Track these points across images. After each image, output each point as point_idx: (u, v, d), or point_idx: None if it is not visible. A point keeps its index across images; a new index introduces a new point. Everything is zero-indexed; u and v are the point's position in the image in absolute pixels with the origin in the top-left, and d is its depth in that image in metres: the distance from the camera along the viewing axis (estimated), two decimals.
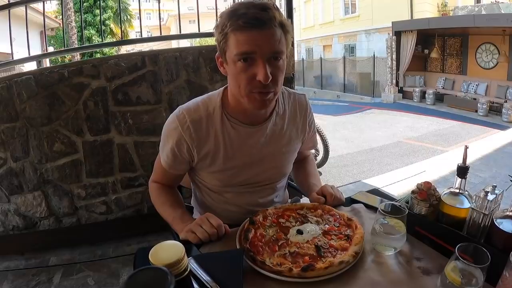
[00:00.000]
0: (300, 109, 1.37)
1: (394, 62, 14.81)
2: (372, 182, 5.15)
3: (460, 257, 0.79)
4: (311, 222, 1.14)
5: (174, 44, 15.78)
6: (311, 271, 0.89)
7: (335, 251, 1.00)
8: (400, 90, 15.25)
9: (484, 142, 8.39)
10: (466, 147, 1.11)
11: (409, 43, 14.48)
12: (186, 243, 1.05)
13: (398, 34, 14.80)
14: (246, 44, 1.02)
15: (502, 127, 10.55)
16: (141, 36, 3.73)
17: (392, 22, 15.00)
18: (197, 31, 2.96)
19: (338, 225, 1.14)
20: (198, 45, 10.99)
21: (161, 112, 2.68)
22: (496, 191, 0.99)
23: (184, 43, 16.53)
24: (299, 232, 1.08)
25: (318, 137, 4.96)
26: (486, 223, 0.97)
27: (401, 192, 4.57)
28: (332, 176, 5.59)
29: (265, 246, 1.02)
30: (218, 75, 2.67)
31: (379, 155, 6.97)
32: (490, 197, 0.97)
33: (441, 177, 5.65)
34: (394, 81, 15.05)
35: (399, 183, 5.20)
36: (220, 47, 1.10)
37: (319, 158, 5.08)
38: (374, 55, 16.13)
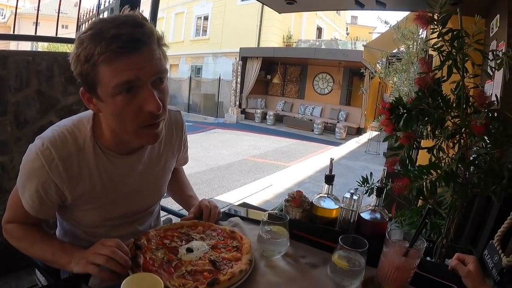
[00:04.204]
0: (177, 128, 1.29)
1: (239, 85, 15.98)
2: (224, 198, 5.36)
3: (343, 246, 0.93)
4: (195, 239, 1.13)
5: (13, 47, 13.41)
6: (217, 285, 0.89)
7: (230, 263, 1.02)
8: (243, 111, 16.53)
9: (322, 156, 9.79)
10: (332, 159, 1.32)
11: (253, 68, 15.94)
12: (81, 277, 0.94)
13: (244, 59, 16.08)
14: (127, 71, 0.85)
15: (336, 144, 12.67)
16: None
17: (240, 48, 16.20)
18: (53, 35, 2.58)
19: (223, 238, 1.16)
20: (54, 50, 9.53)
21: (5, 126, 2.16)
22: (359, 193, 1.20)
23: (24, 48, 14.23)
24: (189, 250, 1.05)
25: None
26: (355, 218, 1.17)
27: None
28: None
29: (159, 269, 0.97)
30: (72, 87, 2.34)
31: (227, 172, 7.24)
32: (355, 197, 1.17)
33: (286, 189, 6.26)
34: (237, 102, 16.21)
35: (250, 197, 5.55)
36: (87, 81, 0.89)
37: None
38: (219, 77, 16.95)
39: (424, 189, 1.27)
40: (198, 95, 18.39)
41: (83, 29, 0.93)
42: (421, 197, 1.37)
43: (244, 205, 1.63)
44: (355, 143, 13.06)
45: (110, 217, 1.16)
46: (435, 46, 1.32)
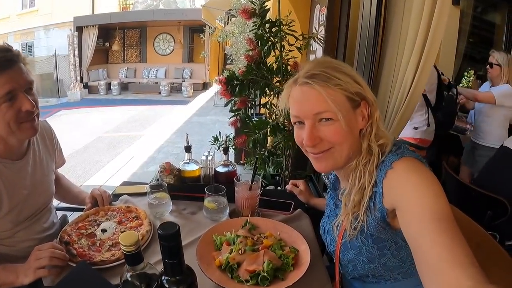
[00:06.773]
0: (47, 133, 1.57)
1: (77, 59, 14.49)
2: (93, 182, 5.28)
3: (209, 194, 1.40)
4: (103, 222, 1.43)
5: None
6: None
7: (137, 228, 1.37)
8: (86, 86, 15.17)
9: (173, 118, 10.01)
10: (187, 134, 1.72)
11: (91, 38, 14.63)
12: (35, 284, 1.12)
13: (79, 29, 14.60)
14: (6, 84, 1.15)
15: (184, 103, 12.87)
16: None
17: (74, 17, 14.51)
18: None
19: (123, 214, 1.49)
20: None
21: None
22: (211, 154, 1.64)
23: None
24: (104, 230, 1.36)
25: None
26: (212, 173, 1.64)
27: (124, 180, 4.91)
28: None
29: (90, 252, 1.23)
30: None
31: (86, 155, 6.92)
32: (210, 157, 1.62)
33: (149, 157, 6.47)
34: (78, 78, 14.68)
35: (117, 174, 5.62)
36: None
37: None
38: (55, 53, 14.82)
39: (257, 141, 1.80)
40: (33, 76, 15.98)
41: None
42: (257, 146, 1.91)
43: (125, 183, 1.95)
44: (202, 98, 13.60)
45: (19, 220, 1.36)
46: (257, 34, 1.81)
